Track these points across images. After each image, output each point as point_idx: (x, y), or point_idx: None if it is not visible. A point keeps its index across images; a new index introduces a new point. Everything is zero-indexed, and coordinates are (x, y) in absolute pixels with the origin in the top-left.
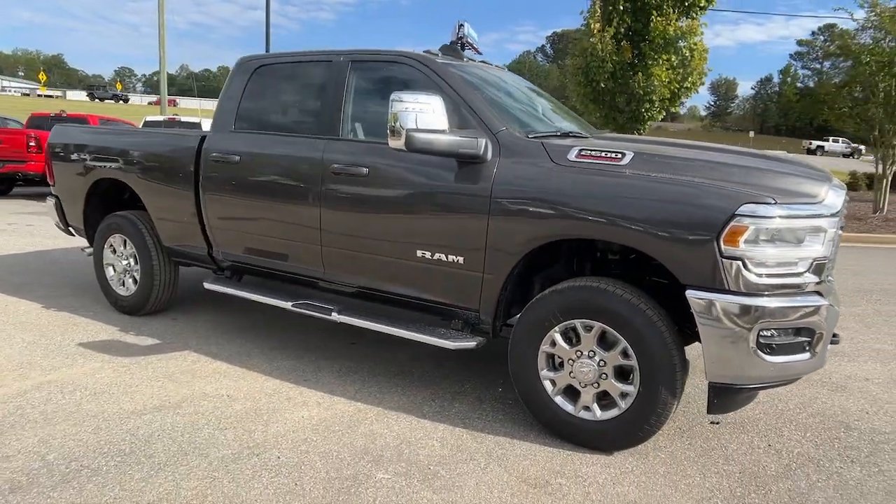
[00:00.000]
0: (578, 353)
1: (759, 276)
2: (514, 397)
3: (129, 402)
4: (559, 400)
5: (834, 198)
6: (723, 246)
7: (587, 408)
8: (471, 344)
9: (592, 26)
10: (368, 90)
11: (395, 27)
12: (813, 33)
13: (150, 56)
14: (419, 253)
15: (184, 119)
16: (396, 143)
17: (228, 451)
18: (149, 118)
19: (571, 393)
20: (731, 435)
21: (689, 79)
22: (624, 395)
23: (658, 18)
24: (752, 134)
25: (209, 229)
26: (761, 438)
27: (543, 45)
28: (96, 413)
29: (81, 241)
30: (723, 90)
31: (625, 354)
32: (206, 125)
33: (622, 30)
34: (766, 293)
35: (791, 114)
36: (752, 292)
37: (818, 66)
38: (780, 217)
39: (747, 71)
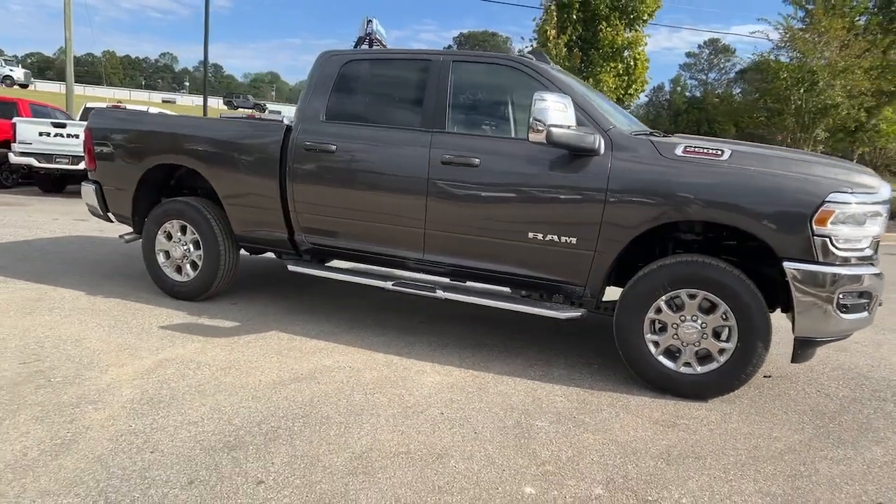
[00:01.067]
0: (682, 318)
1: (840, 250)
2: (598, 363)
3: (262, 375)
4: (662, 359)
5: (885, 190)
6: (814, 226)
7: (688, 364)
8: (577, 314)
9: (549, 33)
10: (469, 88)
11: (291, 19)
12: (699, 46)
13: (19, 35)
14: (531, 235)
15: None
16: (537, 136)
17: (393, 410)
18: (90, 105)
19: (671, 353)
20: (786, 386)
21: (633, 86)
22: (722, 352)
23: (607, 29)
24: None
25: (296, 215)
26: (810, 387)
27: (451, 46)
28: (241, 385)
29: (82, 229)
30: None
31: (723, 317)
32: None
33: (574, 37)
34: (844, 264)
35: (681, 121)
36: (835, 263)
37: (703, 77)
38: (855, 203)
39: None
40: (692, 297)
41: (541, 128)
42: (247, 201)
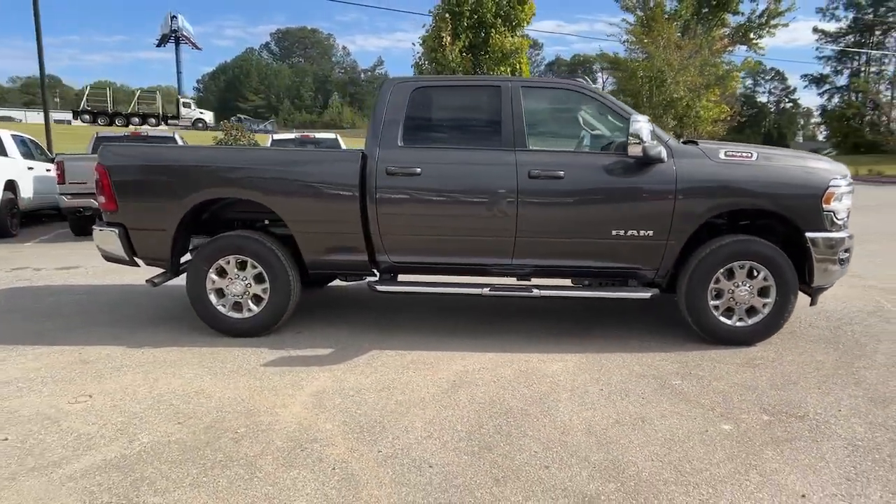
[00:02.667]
0: (736, 284)
1: (838, 220)
2: (655, 331)
3: (422, 389)
4: (722, 318)
5: (849, 174)
6: (823, 205)
7: (741, 319)
8: (649, 294)
9: (445, 39)
10: (539, 110)
11: (67, 12)
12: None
13: None
14: (613, 232)
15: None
16: (635, 150)
17: (563, 394)
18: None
19: (727, 311)
20: (811, 329)
21: None
22: (765, 306)
23: (496, 35)
24: None
25: (380, 237)
26: (835, 326)
27: (268, 43)
28: (418, 400)
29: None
30: None
31: (765, 279)
32: None
33: (466, 43)
34: (840, 230)
35: None
36: (837, 230)
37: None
38: (843, 186)
39: None
40: (742, 267)
41: (638, 143)
42: (323, 228)
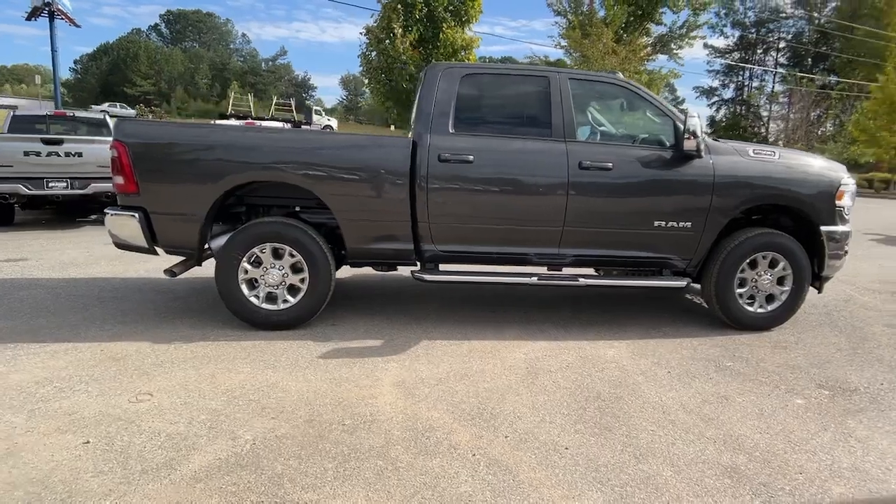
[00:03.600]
0: (759, 274)
1: (846, 216)
2: (681, 320)
3: (502, 377)
4: (745, 305)
5: None
6: (836, 201)
7: (762, 306)
8: (683, 283)
9: (396, 30)
10: (584, 102)
11: None
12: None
13: None
14: (656, 223)
15: None
16: (691, 144)
17: (640, 377)
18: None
19: (750, 298)
20: (808, 316)
21: None
22: (782, 293)
23: (448, 30)
24: (392, 128)
25: (427, 225)
26: (825, 313)
27: (158, 25)
28: (505, 387)
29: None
30: (352, 86)
31: (783, 268)
32: None
33: (416, 36)
34: (846, 224)
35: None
36: (844, 225)
37: None
38: (850, 185)
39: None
40: (764, 257)
41: (693, 137)
42: (370, 216)
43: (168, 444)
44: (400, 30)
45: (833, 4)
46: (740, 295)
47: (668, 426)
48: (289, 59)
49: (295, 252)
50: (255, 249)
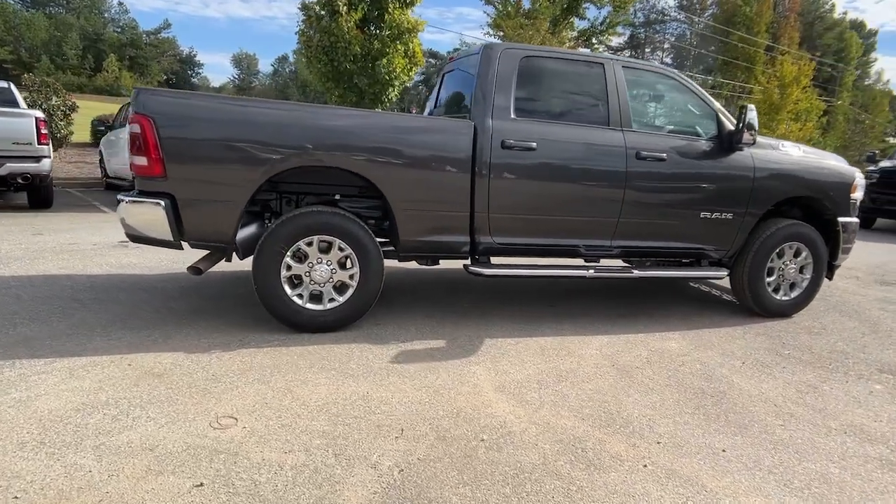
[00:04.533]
0: (785, 263)
1: (857, 208)
2: (692, 308)
3: (595, 380)
4: (771, 293)
5: None
6: (850, 194)
7: (786, 293)
8: (724, 273)
9: (341, 8)
10: (635, 91)
11: None
12: None
13: None
14: (702, 214)
15: None
16: (748, 137)
17: (723, 370)
18: None
19: (776, 288)
20: (820, 302)
21: (414, 68)
22: (804, 280)
23: (394, 10)
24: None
25: (486, 215)
26: (822, 298)
27: None
28: (620, 384)
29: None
30: (245, 65)
31: (806, 258)
32: None
33: (361, 15)
34: (856, 216)
35: (309, 91)
36: (855, 216)
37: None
38: (862, 180)
39: (264, 47)
40: (791, 247)
41: (751, 131)
42: (428, 205)
43: (303, 480)
44: (345, 7)
45: (711, 11)
46: (769, 283)
47: (791, 419)
48: (173, 32)
49: (345, 245)
50: (301, 242)
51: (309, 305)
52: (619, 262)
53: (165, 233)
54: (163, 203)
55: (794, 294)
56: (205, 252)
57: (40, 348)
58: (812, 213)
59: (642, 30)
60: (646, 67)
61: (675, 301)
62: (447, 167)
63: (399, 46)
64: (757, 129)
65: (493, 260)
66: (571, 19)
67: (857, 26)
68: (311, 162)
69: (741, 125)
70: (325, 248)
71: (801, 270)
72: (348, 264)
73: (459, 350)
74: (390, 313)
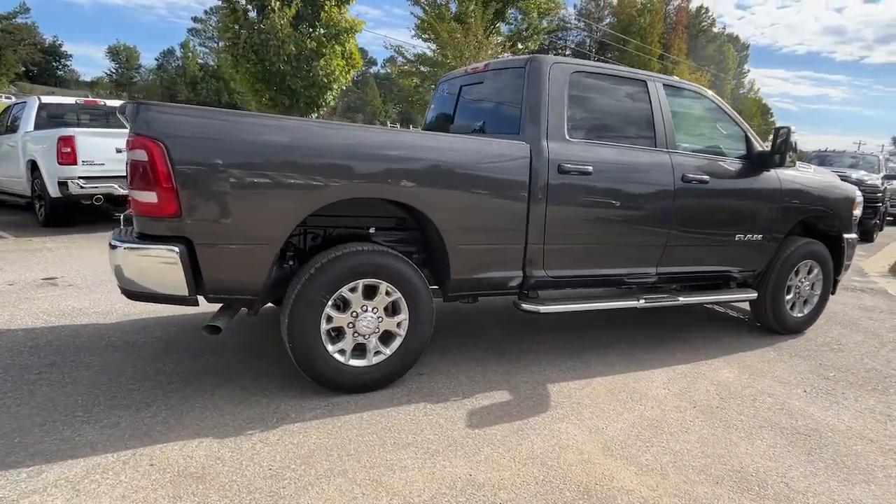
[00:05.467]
0: (801, 281)
1: (857, 225)
2: (708, 334)
3: (687, 415)
4: (790, 311)
5: None
6: (853, 211)
7: (800, 310)
8: (754, 295)
9: (273, 3)
10: (674, 110)
11: None
12: (206, 12)
13: None
14: (737, 237)
15: None
16: (789, 159)
17: (789, 395)
18: None
19: (792, 305)
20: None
21: (352, 70)
22: (814, 297)
23: (332, 8)
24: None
25: (543, 247)
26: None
27: None
28: (715, 428)
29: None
30: (124, 57)
31: (817, 276)
32: None
33: (294, 12)
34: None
35: (200, 89)
36: (855, 232)
37: (214, 44)
38: (860, 196)
39: (145, 40)
40: (805, 265)
41: (792, 152)
42: (484, 237)
43: None
44: (278, 3)
45: (608, 20)
46: (787, 302)
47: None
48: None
49: (393, 289)
50: (345, 289)
51: (352, 362)
52: (660, 290)
53: (179, 287)
54: (177, 249)
55: (806, 311)
56: (218, 306)
57: (11, 451)
58: (815, 230)
59: (547, 37)
60: (681, 85)
61: (691, 323)
62: (506, 194)
63: (336, 47)
64: (797, 150)
65: (544, 294)
66: (498, 24)
67: (733, 40)
68: (359, 192)
69: (783, 147)
70: (370, 293)
71: (813, 287)
72: (396, 310)
73: (531, 402)
74: (424, 357)
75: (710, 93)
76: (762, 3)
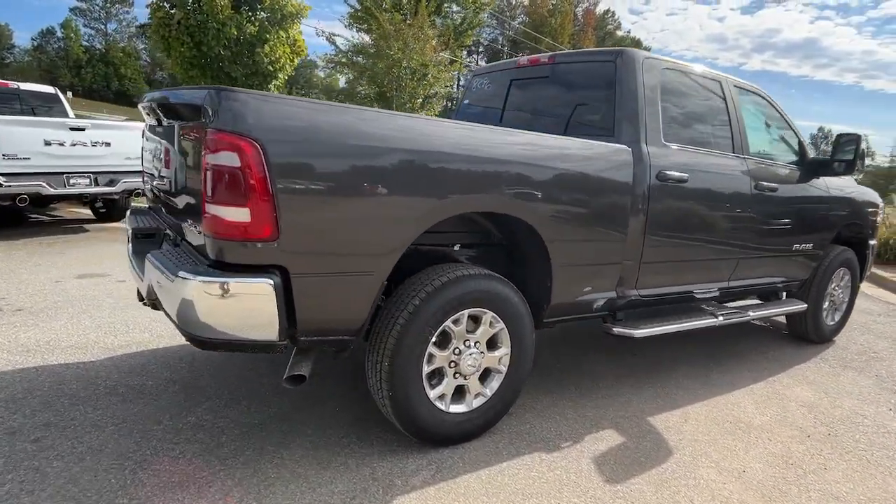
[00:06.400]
0: (836, 289)
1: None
2: (758, 344)
3: (814, 447)
4: (826, 320)
5: None
6: (876, 219)
7: (832, 319)
8: (804, 306)
9: None
10: (743, 113)
11: None
12: None
13: None
14: (794, 246)
15: None
16: (859, 167)
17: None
18: None
19: (826, 313)
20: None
21: (298, 58)
22: (843, 304)
23: None
24: (69, 95)
25: (638, 264)
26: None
27: None
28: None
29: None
30: None
31: (847, 283)
32: None
33: None
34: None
35: (85, 74)
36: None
37: (101, 26)
38: (882, 203)
39: (19, 18)
40: (838, 274)
41: (862, 161)
42: (585, 254)
43: None
44: None
45: (521, 19)
46: (824, 311)
47: None
48: None
49: (497, 318)
50: (449, 321)
51: (453, 408)
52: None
53: (268, 330)
54: (272, 282)
55: (836, 318)
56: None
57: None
58: (841, 237)
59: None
60: (747, 87)
61: (722, 336)
62: (608, 205)
63: (280, 33)
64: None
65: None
66: (433, 18)
67: (636, 43)
68: (476, 205)
69: (852, 155)
70: (473, 325)
71: (842, 294)
72: (496, 343)
73: (648, 444)
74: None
75: (769, 95)
76: (653, 9)
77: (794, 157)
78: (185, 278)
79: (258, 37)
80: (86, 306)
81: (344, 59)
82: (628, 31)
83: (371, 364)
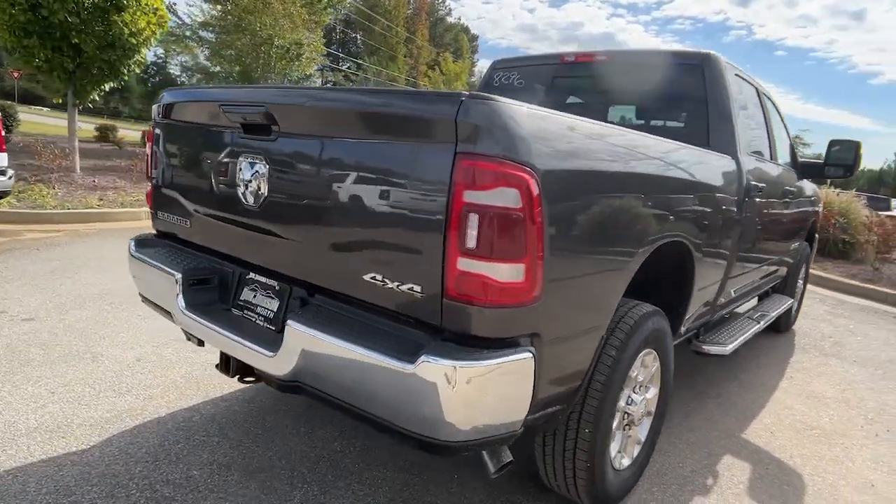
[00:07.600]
0: (799, 280)
1: None
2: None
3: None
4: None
5: None
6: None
7: (796, 306)
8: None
9: None
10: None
11: None
12: None
13: None
14: (791, 246)
15: None
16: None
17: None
18: None
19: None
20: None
21: (162, 29)
22: (803, 292)
23: None
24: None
25: (728, 278)
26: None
27: None
28: None
29: None
30: None
31: (802, 274)
32: None
33: None
34: None
35: None
36: None
37: None
38: None
39: None
40: (801, 266)
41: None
42: (711, 276)
43: None
44: None
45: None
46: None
47: None
48: None
49: (657, 357)
50: (635, 365)
51: (621, 462)
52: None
53: (518, 412)
54: (531, 355)
55: (795, 307)
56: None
57: None
58: None
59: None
60: (766, 91)
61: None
62: (725, 219)
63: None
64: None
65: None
66: None
67: (465, 30)
68: (673, 230)
69: (853, 163)
70: (643, 369)
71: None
72: (650, 383)
73: (769, 479)
74: None
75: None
76: None
77: (789, 159)
78: (433, 364)
79: (113, 2)
80: (10, 365)
81: (192, 34)
82: (459, 18)
83: (559, 435)
